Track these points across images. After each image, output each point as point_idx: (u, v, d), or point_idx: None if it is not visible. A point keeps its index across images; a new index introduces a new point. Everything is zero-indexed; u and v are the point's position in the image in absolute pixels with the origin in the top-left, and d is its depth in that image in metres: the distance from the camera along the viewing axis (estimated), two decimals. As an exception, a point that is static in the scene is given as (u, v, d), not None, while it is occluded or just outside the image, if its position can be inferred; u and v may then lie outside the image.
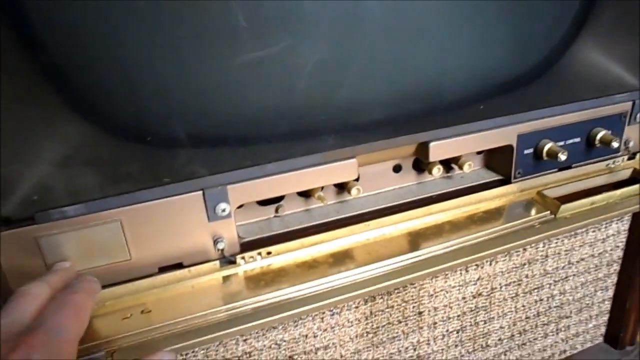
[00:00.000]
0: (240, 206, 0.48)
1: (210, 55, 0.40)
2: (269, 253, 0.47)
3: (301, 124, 0.45)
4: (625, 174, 0.60)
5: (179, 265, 0.45)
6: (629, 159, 0.61)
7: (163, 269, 0.45)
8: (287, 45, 0.42)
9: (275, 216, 0.50)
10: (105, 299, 0.43)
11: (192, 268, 0.45)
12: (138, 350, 0.39)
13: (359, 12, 0.43)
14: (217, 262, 0.46)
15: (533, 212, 0.54)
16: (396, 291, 0.53)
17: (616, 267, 0.69)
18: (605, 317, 0.72)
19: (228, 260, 0.46)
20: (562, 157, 0.53)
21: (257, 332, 0.48)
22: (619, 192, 0.55)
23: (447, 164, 0.55)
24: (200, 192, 0.43)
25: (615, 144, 0.55)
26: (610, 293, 0.70)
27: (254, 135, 0.44)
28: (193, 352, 0.45)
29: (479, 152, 0.58)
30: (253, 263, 0.47)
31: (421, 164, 0.54)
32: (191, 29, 0.39)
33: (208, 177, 0.43)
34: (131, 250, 0.43)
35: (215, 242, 0.45)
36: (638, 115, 0.59)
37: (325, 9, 0.41)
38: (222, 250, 0.45)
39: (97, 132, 0.41)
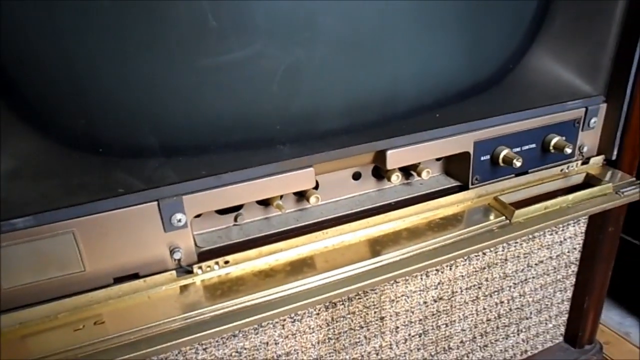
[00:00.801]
0: (198, 215, 0.48)
1: (162, 64, 0.40)
2: (226, 262, 0.47)
3: (257, 133, 0.45)
4: (579, 178, 0.62)
5: (135, 276, 0.45)
6: (583, 163, 0.63)
7: (118, 280, 0.44)
8: (243, 55, 0.42)
9: (234, 225, 0.50)
10: (58, 311, 0.42)
11: (148, 278, 0.45)
12: (90, 362, 0.38)
13: (315, 21, 0.43)
14: (174, 272, 0.46)
15: (490, 217, 0.55)
16: (357, 297, 0.54)
17: (574, 268, 0.71)
18: (565, 317, 0.74)
19: (185, 270, 0.46)
20: (517, 163, 0.54)
21: (217, 341, 0.48)
22: (571, 196, 0.57)
23: (406, 171, 0.56)
24: (155, 203, 0.43)
25: (568, 150, 0.57)
26: (569, 294, 0.72)
27: (210, 144, 0.44)
28: (151, 362, 0.45)
29: (437, 159, 0.58)
30: (210, 272, 0.47)
31: (380, 171, 0.55)
32: (143, 36, 0.39)
33: (163, 187, 0.43)
34: (85, 261, 0.42)
35: (172, 252, 0.45)
36: (591, 121, 0.60)
37: (279, 19, 0.42)
38: (179, 260, 0.45)
39: (48, 144, 0.40)
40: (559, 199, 0.57)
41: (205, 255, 0.47)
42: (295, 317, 0.51)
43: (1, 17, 0.35)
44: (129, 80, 0.40)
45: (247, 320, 0.43)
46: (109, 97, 0.40)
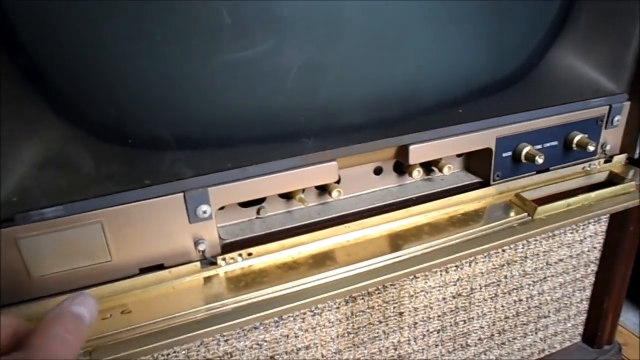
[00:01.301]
0: (222, 208, 0.48)
1: (191, 58, 0.40)
2: (249, 254, 0.47)
3: (281, 126, 0.45)
4: (602, 176, 0.62)
5: (160, 267, 0.45)
6: (606, 162, 0.63)
7: (144, 270, 0.45)
8: (267, 49, 0.42)
9: (256, 218, 0.51)
10: (85, 300, 0.43)
11: (172, 269, 0.45)
12: (117, 349, 0.39)
13: (340, 16, 0.43)
14: (198, 263, 0.46)
15: (511, 214, 0.55)
16: (377, 292, 0.54)
17: (594, 267, 0.70)
18: (583, 317, 0.73)
19: (209, 262, 0.47)
20: (540, 160, 0.54)
21: (238, 333, 0.48)
22: (594, 194, 0.56)
23: (428, 167, 0.56)
24: (182, 194, 0.43)
25: (591, 148, 0.57)
26: (588, 293, 0.72)
27: (235, 137, 0.45)
28: (174, 352, 0.46)
29: (458, 155, 0.58)
30: (234, 264, 0.47)
31: (402, 167, 0.55)
32: (173, 30, 0.39)
33: (189, 179, 0.43)
34: (112, 251, 0.43)
35: (196, 243, 0.45)
36: (614, 119, 0.60)
37: (305, 13, 0.42)
38: (203, 251, 0.46)
39: (78, 134, 0.41)
40: (581, 197, 0.56)
41: (228, 248, 0.48)
42: (315, 311, 0.52)
43: (34, 10, 0.36)
44: (157, 73, 0.40)
45: (269, 312, 0.43)
46: (138, 89, 0.41)
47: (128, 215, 0.43)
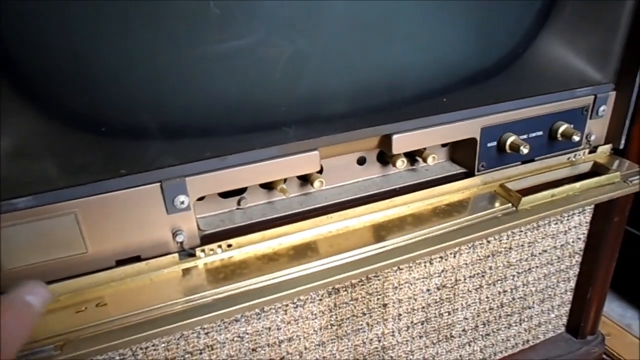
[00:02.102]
0: (201, 198, 0.47)
1: (168, 43, 0.39)
2: (229, 246, 0.46)
3: (262, 115, 0.44)
4: (587, 167, 0.62)
5: (137, 258, 0.44)
6: (591, 152, 0.63)
7: (121, 262, 0.44)
8: (248, 36, 0.41)
9: (237, 208, 0.50)
10: (59, 293, 0.42)
11: (150, 261, 0.44)
12: (90, 342, 0.38)
13: (322, 4, 0.42)
14: (176, 255, 0.45)
15: (495, 204, 0.54)
16: (360, 284, 0.54)
17: (578, 258, 0.70)
18: (567, 308, 0.74)
19: (187, 253, 0.46)
20: (524, 150, 0.53)
21: (219, 325, 0.48)
22: (578, 184, 0.56)
23: (412, 157, 0.56)
24: (158, 184, 0.42)
25: (576, 138, 0.56)
26: (572, 284, 0.72)
27: (214, 126, 0.44)
28: (153, 345, 0.45)
29: (443, 145, 0.58)
30: (213, 256, 0.46)
31: (385, 157, 0.54)
32: (149, 13, 0.38)
33: (166, 168, 0.42)
34: (87, 243, 0.42)
35: (174, 234, 0.45)
36: (600, 109, 0.60)
37: (287, 1, 0.41)
38: (182, 243, 0.45)
39: (50, 122, 0.40)
40: (566, 187, 0.56)
41: (208, 239, 0.47)
42: (297, 303, 0.51)
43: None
44: (132, 59, 0.39)
45: (250, 303, 0.42)
46: (111, 76, 0.40)
47: (103, 205, 0.41)
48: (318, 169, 0.47)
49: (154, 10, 0.38)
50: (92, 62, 0.38)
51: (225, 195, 0.49)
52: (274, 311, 0.50)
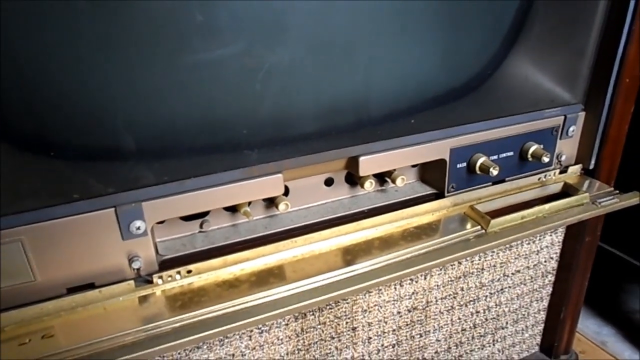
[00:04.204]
0: (162, 222, 0.46)
1: (120, 60, 0.38)
2: (189, 272, 0.45)
3: (223, 137, 0.43)
4: (557, 187, 0.61)
5: (91, 286, 0.42)
6: (561, 172, 0.62)
7: (72, 290, 0.42)
8: (207, 56, 0.40)
9: (199, 232, 0.48)
10: (3, 325, 0.39)
11: (104, 288, 0.42)
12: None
13: (284, 23, 0.41)
14: (132, 281, 0.43)
15: (466, 227, 0.54)
16: (328, 307, 0.52)
17: (551, 277, 0.70)
18: (541, 327, 0.73)
19: (144, 280, 0.44)
20: (494, 172, 0.53)
21: (179, 354, 0.46)
22: (547, 206, 0.56)
23: (381, 178, 0.54)
24: (113, 210, 0.40)
25: (546, 159, 0.56)
26: (545, 303, 0.72)
27: (172, 148, 0.42)
28: (106, 377, 0.43)
29: (413, 165, 0.57)
30: (172, 282, 0.44)
31: (354, 178, 0.53)
32: (100, 33, 0.36)
33: (120, 193, 0.40)
34: (35, 271, 0.40)
35: (131, 261, 0.43)
36: (569, 129, 0.59)
37: (249, 16, 0.40)
38: (138, 269, 0.43)
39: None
40: (536, 209, 0.56)
41: (167, 264, 0.45)
42: (263, 328, 0.49)
43: None
44: (83, 79, 0.37)
45: (206, 333, 0.41)
46: (61, 96, 0.38)
47: (54, 232, 0.39)
48: (282, 192, 0.46)
49: (105, 28, 0.36)
50: (38, 81, 0.36)
51: (187, 217, 0.47)
52: (238, 337, 0.48)
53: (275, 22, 0.41)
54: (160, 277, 0.44)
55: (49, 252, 0.40)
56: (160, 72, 0.39)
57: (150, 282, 0.44)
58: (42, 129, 0.38)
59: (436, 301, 0.60)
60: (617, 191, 0.60)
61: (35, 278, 0.40)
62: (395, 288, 0.56)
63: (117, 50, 0.37)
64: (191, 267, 0.45)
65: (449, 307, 0.62)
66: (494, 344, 0.69)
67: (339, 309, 0.53)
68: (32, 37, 0.35)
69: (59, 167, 0.39)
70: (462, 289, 0.62)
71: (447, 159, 0.53)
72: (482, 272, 0.62)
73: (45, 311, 0.41)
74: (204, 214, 0.48)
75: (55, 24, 0.35)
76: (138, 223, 0.41)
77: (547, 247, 0.66)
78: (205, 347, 0.47)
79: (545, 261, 0.67)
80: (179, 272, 0.44)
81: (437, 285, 0.59)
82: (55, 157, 0.38)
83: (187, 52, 0.39)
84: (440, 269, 0.58)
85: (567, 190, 0.60)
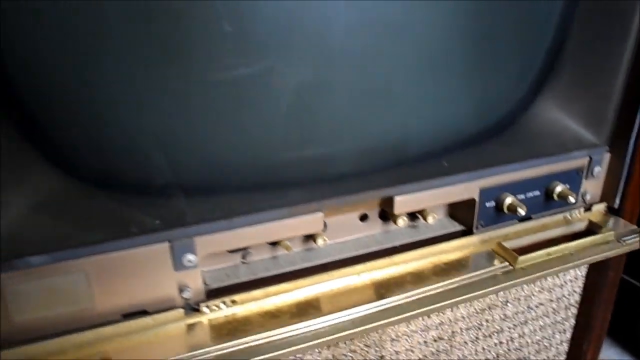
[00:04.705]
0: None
1: (179, 106, 0.41)
2: (233, 302, 0.48)
3: (269, 176, 0.46)
4: (582, 225, 0.63)
5: (143, 312, 0.45)
6: (586, 210, 0.64)
7: (127, 316, 0.45)
8: (256, 101, 0.43)
9: (242, 262, 0.51)
10: (64, 348, 0.43)
11: (156, 316, 0.45)
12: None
13: (330, 71, 0.44)
14: (182, 310, 0.46)
15: (494, 263, 0.56)
16: (359, 335, 0.55)
17: (574, 310, 0.71)
18: (563, 358, 0.74)
19: (193, 308, 0.47)
20: (522, 212, 0.55)
21: (220, 380, 0.49)
22: (574, 244, 0.58)
23: (413, 214, 0.57)
24: (167, 243, 0.44)
25: (572, 199, 0.58)
26: (568, 335, 0.73)
27: (222, 186, 0.45)
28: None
29: (443, 202, 0.59)
30: (217, 312, 0.47)
31: (387, 213, 0.56)
32: (161, 78, 0.40)
33: (175, 229, 0.44)
34: (95, 298, 0.43)
35: (181, 290, 0.46)
36: (595, 170, 0.61)
37: (293, 65, 0.43)
38: (188, 298, 0.46)
39: (67, 181, 0.42)
40: (562, 246, 0.57)
41: (213, 293, 0.48)
42: (298, 355, 0.52)
43: (27, 59, 0.37)
44: (146, 122, 0.41)
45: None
46: (126, 137, 0.42)
47: (113, 263, 0.43)
48: (321, 229, 0.49)
49: (164, 75, 0.40)
50: (108, 126, 0.40)
51: (231, 249, 0.50)
52: (275, 364, 0.51)
53: (322, 70, 0.44)
54: (207, 306, 0.47)
55: (109, 281, 0.43)
56: (214, 120, 0.42)
57: (198, 310, 0.47)
58: (108, 168, 0.42)
59: (461, 332, 0.62)
60: (640, 229, 0.62)
61: (95, 304, 0.43)
62: (422, 319, 0.58)
63: (177, 97, 0.41)
64: (235, 297, 0.48)
65: (474, 338, 0.64)
66: (516, 375, 0.70)
67: (368, 338, 0.56)
68: (99, 86, 0.39)
69: (120, 202, 0.43)
70: (486, 321, 0.64)
71: (477, 198, 0.55)
72: (507, 305, 0.64)
73: (102, 336, 0.44)
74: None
75: (123, 73, 0.39)
76: (190, 256, 0.45)
77: (570, 281, 0.68)
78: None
79: (568, 294, 0.69)
80: (224, 302, 0.47)
81: (463, 317, 0.61)
82: (118, 192, 0.42)
83: (233, 99, 0.42)
84: (467, 302, 0.60)
85: (592, 228, 0.62)
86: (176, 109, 0.42)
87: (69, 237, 0.41)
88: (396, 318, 0.49)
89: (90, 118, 0.41)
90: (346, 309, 0.49)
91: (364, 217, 0.56)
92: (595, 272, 0.68)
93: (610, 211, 0.65)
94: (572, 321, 0.72)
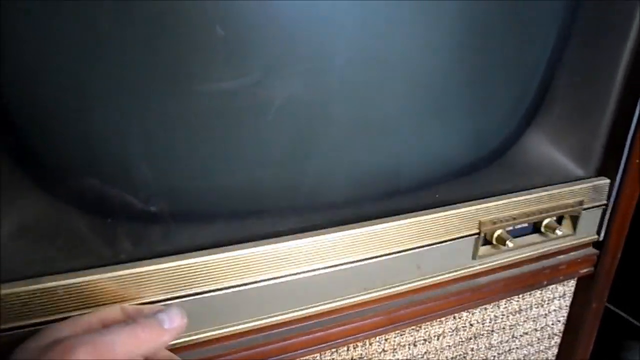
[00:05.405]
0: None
1: (169, 130, 0.41)
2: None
3: (257, 206, 0.46)
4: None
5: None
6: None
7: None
8: (247, 127, 0.43)
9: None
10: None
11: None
12: None
13: (322, 98, 0.45)
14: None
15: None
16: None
17: (557, 340, 0.72)
18: (546, 387, 0.75)
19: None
20: (510, 244, 0.56)
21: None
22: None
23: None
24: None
25: (559, 232, 0.59)
26: (551, 364, 0.74)
27: (210, 214, 0.46)
28: None
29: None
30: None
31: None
32: (162, 108, 0.40)
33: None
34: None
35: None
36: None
37: (287, 93, 0.43)
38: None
39: (56, 207, 0.41)
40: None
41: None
42: None
43: (12, 82, 0.37)
44: (131, 144, 0.41)
45: None
46: (113, 160, 0.42)
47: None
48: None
49: (165, 106, 0.40)
50: (98, 153, 0.40)
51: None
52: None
53: (318, 103, 0.45)
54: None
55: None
56: (208, 154, 0.43)
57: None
58: (96, 192, 0.42)
59: (447, 361, 0.63)
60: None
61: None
62: (408, 348, 0.59)
63: (163, 125, 0.41)
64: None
65: (459, 367, 0.64)
66: (500, 402, 0.71)
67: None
68: (91, 111, 0.39)
69: (108, 229, 0.42)
70: (472, 350, 0.64)
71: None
72: (492, 334, 0.65)
73: None
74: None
75: (117, 99, 0.39)
76: (179, 284, 0.44)
77: (554, 310, 0.69)
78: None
79: (552, 324, 0.70)
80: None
81: (449, 346, 0.62)
82: (106, 219, 0.42)
83: (231, 129, 0.43)
84: (453, 331, 0.61)
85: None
86: (166, 133, 0.42)
87: (56, 263, 0.41)
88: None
89: (77, 141, 0.41)
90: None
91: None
92: (579, 303, 0.69)
93: (594, 245, 0.66)
94: (555, 350, 0.73)
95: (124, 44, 0.37)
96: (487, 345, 0.65)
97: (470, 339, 0.63)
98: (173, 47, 0.38)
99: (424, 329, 0.58)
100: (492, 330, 0.64)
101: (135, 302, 0.41)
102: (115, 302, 0.40)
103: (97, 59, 0.37)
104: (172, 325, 0.36)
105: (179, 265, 0.42)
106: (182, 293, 0.43)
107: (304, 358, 0.51)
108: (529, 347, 0.69)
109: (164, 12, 0.37)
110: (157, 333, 0.35)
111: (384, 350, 0.57)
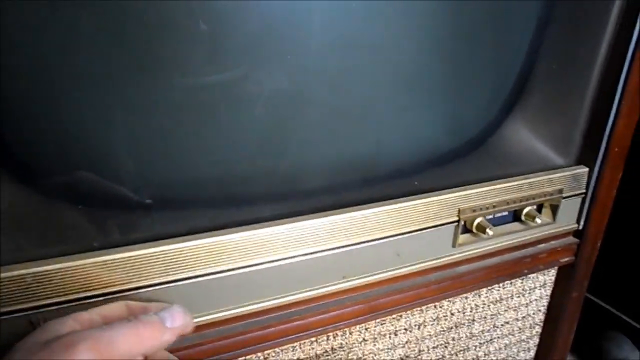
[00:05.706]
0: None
1: (146, 118, 0.41)
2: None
3: (236, 192, 0.46)
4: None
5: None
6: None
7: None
8: (225, 113, 0.43)
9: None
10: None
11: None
12: None
13: (301, 84, 0.45)
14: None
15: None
16: (324, 354, 0.54)
17: (538, 329, 0.73)
18: (527, 376, 0.76)
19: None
20: (490, 232, 0.56)
21: None
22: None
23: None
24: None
25: (539, 220, 0.59)
26: (532, 354, 0.74)
27: (189, 202, 0.45)
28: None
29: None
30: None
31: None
32: (126, 90, 0.39)
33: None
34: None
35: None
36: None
37: (265, 78, 0.43)
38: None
39: (28, 194, 0.40)
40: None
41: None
42: None
43: None
44: (109, 132, 0.40)
45: None
46: (90, 149, 0.41)
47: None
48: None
49: (143, 96, 0.40)
50: (72, 135, 0.39)
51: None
52: None
53: (297, 89, 0.44)
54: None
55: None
56: (182, 136, 0.42)
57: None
58: (71, 180, 0.41)
59: (428, 350, 0.63)
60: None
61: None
62: (389, 337, 0.58)
63: (138, 112, 0.40)
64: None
65: (440, 356, 0.64)
66: (481, 392, 0.71)
67: (335, 356, 0.55)
68: (66, 97, 0.38)
69: (83, 216, 0.41)
70: (453, 339, 0.64)
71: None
72: (473, 323, 0.65)
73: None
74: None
75: (91, 82, 0.38)
76: (154, 272, 0.44)
77: (535, 300, 0.69)
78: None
79: (533, 313, 0.70)
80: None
81: (430, 335, 0.62)
82: (82, 206, 0.41)
83: (210, 115, 0.42)
84: (434, 320, 0.61)
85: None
86: (143, 121, 0.41)
87: (27, 251, 0.40)
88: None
89: (53, 131, 0.40)
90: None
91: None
92: (560, 292, 0.69)
93: (575, 234, 0.66)
94: (536, 340, 0.73)
95: (106, 37, 0.37)
96: (468, 334, 0.65)
97: (452, 328, 0.63)
98: (150, 39, 0.38)
99: (405, 318, 0.58)
100: (474, 320, 0.64)
101: (105, 291, 0.40)
102: (83, 290, 0.39)
103: (74, 49, 0.37)
104: (174, 324, 0.35)
105: (154, 253, 0.41)
106: (157, 281, 0.42)
107: (283, 347, 0.51)
108: (510, 336, 0.70)
109: (143, 5, 0.36)
110: (158, 331, 0.34)
111: (364, 340, 0.57)
